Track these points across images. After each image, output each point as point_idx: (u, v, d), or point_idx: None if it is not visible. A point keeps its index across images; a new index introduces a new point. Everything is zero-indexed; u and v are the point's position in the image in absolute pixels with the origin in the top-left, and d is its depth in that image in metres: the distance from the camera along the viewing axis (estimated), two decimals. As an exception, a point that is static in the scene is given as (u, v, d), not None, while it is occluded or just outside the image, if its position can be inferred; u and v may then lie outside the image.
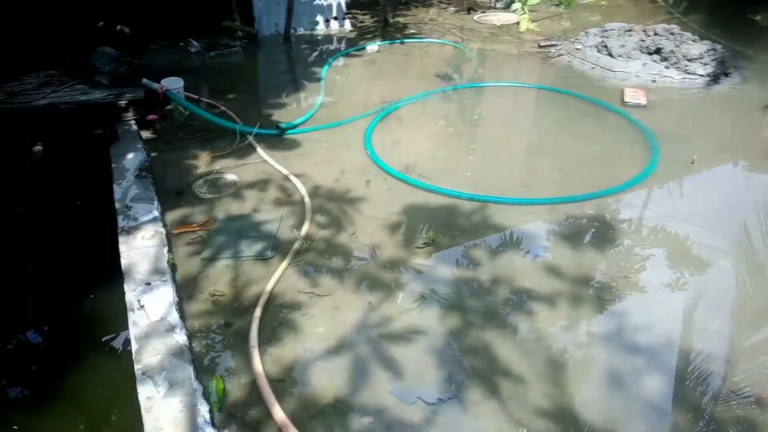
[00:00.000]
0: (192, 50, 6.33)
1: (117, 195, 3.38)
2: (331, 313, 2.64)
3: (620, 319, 2.58)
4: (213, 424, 2.09)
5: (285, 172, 3.82)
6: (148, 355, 2.32)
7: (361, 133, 4.35)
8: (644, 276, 2.87)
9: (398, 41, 6.97)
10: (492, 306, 2.65)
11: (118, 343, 2.69)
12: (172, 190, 3.63)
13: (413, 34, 7.26)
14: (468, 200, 3.46)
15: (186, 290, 2.79)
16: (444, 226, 3.24)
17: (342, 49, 6.70)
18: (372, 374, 2.31)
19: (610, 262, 2.96)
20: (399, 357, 2.38)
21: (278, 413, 2.13)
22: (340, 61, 6.30)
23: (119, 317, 2.79)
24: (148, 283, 2.69)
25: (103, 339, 2.73)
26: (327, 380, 2.29)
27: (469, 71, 5.98)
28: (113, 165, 3.74)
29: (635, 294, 2.75)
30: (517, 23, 6.59)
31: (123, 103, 4.47)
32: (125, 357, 2.62)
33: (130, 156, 3.83)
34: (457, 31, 7.34)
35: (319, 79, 5.64)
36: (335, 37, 7.17)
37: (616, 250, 3.06)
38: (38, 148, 4.30)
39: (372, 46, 6.79)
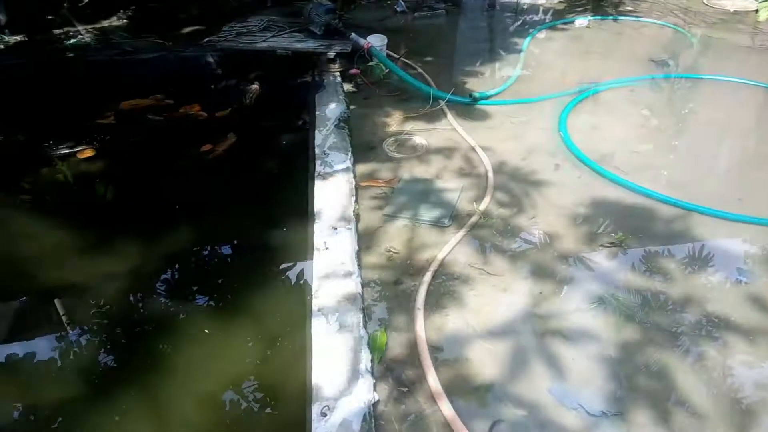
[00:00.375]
0: (398, 9, 6.47)
1: (317, 141, 3.62)
2: (498, 294, 2.59)
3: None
4: (372, 374, 2.19)
5: (472, 142, 3.78)
6: (325, 294, 2.49)
7: (556, 114, 4.14)
8: None
9: (611, 18, 6.45)
10: (678, 326, 2.41)
11: (299, 276, 2.93)
12: (364, 144, 3.79)
13: (629, 11, 6.67)
14: (669, 205, 3.14)
15: (365, 241, 2.92)
16: (635, 228, 2.98)
17: (547, 21, 6.39)
18: (533, 367, 2.24)
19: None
20: (564, 356, 2.28)
21: (433, 380, 2.16)
22: (544, 34, 6.01)
23: (304, 253, 3.03)
24: (335, 228, 2.86)
25: (286, 268, 2.98)
26: (485, 360, 2.27)
27: (689, 60, 5.35)
28: (317, 112, 3.99)
29: None
30: (756, 11, 5.72)
31: (331, 54, 4.73)
32: (304, 289, 2.85)
33: (332, 106, 4.06)
34: (681, 13, 6.59)
35: (518, 51, 5.45)
36: (542, 8, 6.85)
37: None
38: (254, 86, 4.73)
39: (581, 21, 6.38)
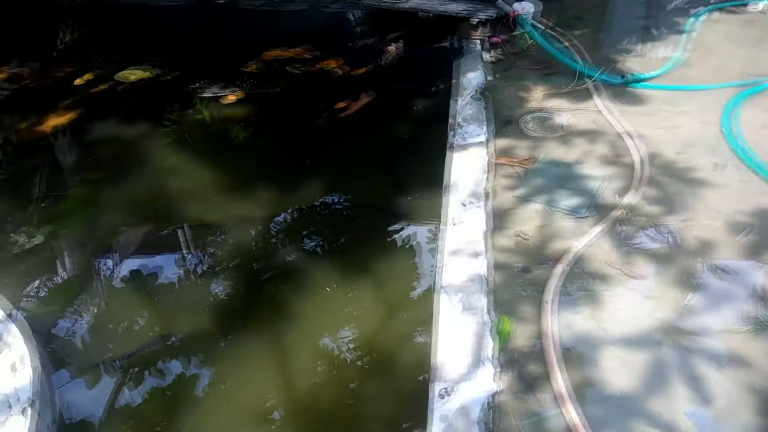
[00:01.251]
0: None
1: (453, 111, 3.51)
2: (638, 298, 2.40)
3: None
4: (493, 362, 2.12)
5: (621, 128, 3.49)
6: (452, 272, 2.43)
7: (720, 106, 3.71)
8: None
9: (796, 2, 5.64)
10: None
11: (426, 246, 2.89)
12: (501, 118, 3.63)
13: (820, -5, 5.78)
14: None
15: (495, 221, 2.81)
16: (808, 248, 2.62)
17: (715, 1, 5.71)
18: (671, 384, 2.06)
19: None
20: (708, 379, 2.07)
21: (559, 380, 2.05)
22: (713, 15, 5.38)
23: (432, 224, 2.98)
24: (466, 204, 2.77)
25: (413, 236, 2.95)
26: (618, 369, 2.12)
27: None
28: (454, 80, 3.86)
29: None
30: None
31: (475, 20, 4.54)
32: (430, 261, 2.81)
33: (471, 75, 3.91)
34: None
35: (681, 32, 4.92)
36: (711, -15, 6.13)
37: None
38: (393, 47, 4.67)
39: (755, 4, 5.64)
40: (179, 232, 3.23)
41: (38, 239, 3.14)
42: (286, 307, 2.71)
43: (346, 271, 2.85)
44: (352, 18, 5.21)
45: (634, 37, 4.87)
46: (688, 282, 2.46)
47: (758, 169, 3.10)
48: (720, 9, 5.51)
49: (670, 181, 3.04)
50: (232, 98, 4.24)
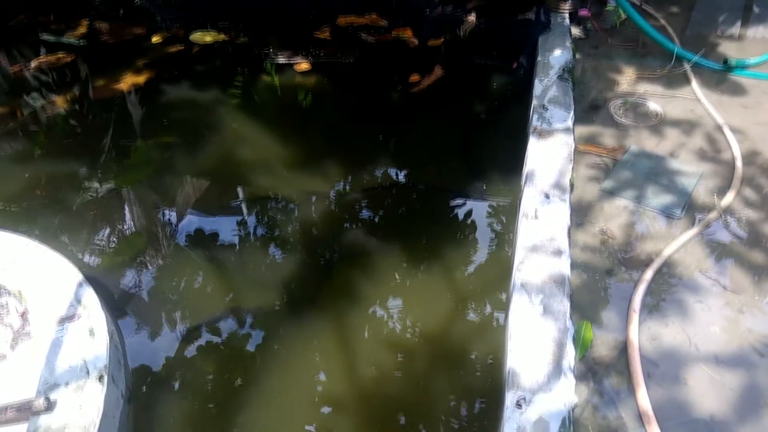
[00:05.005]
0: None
1: (537, 91, 3.31)
2: (733, 314, 2.21)
3: None
4: (573, 372, 2.01)
5: (720, 120, 3.21)
6: (530, 270, 2.30)
7: (837, 101, 3.37)
8: None
9: None
10: None
11: (502, 239, 2.77)
12: (587, 101, 3.40)
13: None
14: None
15: (577, 216, 2.65)
16: None
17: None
18: (764, 413, 1.90)
19: None
20: (812, 412, 1.90)
21: (643, 398, 1.93)
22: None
23: (509, 215, 2.85)
24: (547, 196, 2.62)
25: (489, 226, 2.84)
26: (707, 390, 1.97)
27: None
28: (539, 58, 3.64)
29: None
30: None
31: (564, -9, 4.25)
32: (505, 255, 2.70)
33: (557, 52, 3.68)
34: None
35: (790, 12, 4.48)
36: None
37: None
38: (471, 18, 4.45)
39: None
40: (244, 200, 3.22)
41: (103, 196, 3.18)
42: (351, 289, 2.67)
43: (414, 257, 2.77)
44: (429, -17, 4.97)
45: (733, 17, 4.47)
46: (792, 300, 2.26)
47: None
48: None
49: (774, 184, 2.78)
50: (304, 66, 4.16)
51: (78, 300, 2.31)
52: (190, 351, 2.45)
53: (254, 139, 3.56)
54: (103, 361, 2.11)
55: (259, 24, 4.73)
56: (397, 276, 2.69)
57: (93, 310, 2.29)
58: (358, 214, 3.06)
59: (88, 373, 2.06)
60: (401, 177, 3.27)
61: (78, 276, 2.41)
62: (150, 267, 2.80)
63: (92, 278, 2.42)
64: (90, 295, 2.34)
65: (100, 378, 2.05)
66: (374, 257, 2.80)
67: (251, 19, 4.76)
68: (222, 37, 4.59)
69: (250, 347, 2.45)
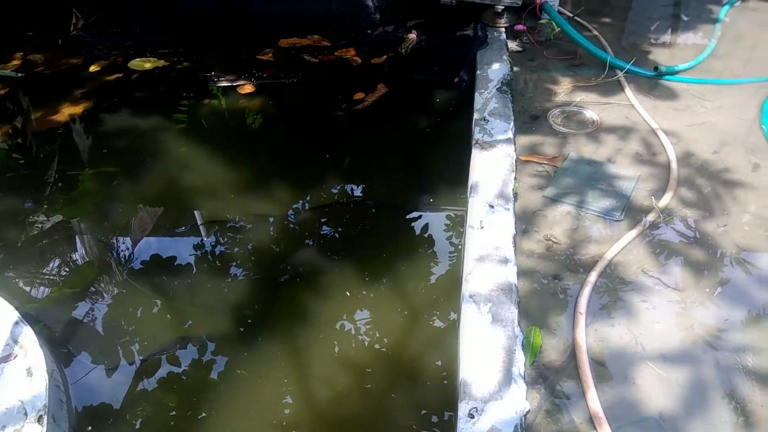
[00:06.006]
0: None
1: (477, 104, 3.36)
2: (676, 311, 2.27)
3: None
4: (523, 379, 2.01)
5: (653, 124, 3.33)
6: (478, 280, 2.31)
7: (758, 102, 3.54)
8: None
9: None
10: None
11: (449, 251, 2.77)
12: (527, 112, 3.48)
13: None
14: None
15: (522, 224, 2.68)
16: None
17: (753, -14, 5.46)
18: (712, 406, 1.94)
19: None
20: (753, 402, 1.94)
21: (593, 400, 1.94)
22: (747, 4, 5.15)
23: (456, 227, 2.86)
24: (492, 206, 2.65)
25: (436, 239, 2.84)
26: (655, 388, 2.00)
27: None
28: (478, 71, 3.71)
29: None
30: None
31: (500, 7, 4.36)
32: (454, 267, 2.70)
33: (495, 66, 3.75)
34: None
35: (713, 20, 4.72)
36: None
37: None
38: (412, 35, 4.51)
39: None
40: (194, 226, 3.14)
41: (49, 229, 3.06)
42: (303, 309, 2.62)
43: (366, 274, 2.75)
44: (369, 4, 5.04)
45: (663, 25, 4.68)
46: (730, 293, 2.33)
47: (802, 170, 2.93)
48: (758, -5, 5.27)
49: (707, 183, 2.89)
50: (248, 88, 4.12)
51: (14, 339, 2.20)
52: (140, 384, 2.34)
53: (202, 164, 3.48)
54: (42, 400, 2.00)
55: (201, 48, 4.68)
56: (349, 293, 2.66)
57: (31, 348, 2.18)
58: (309, 234, 3.02)
59: (26, 414, 1.95)
60: (350, 194, 3.25)
61: (14, 314, 2.29)
62: (98, 299, 2.69)
63: (35, 315, 2.30)
64: (27, 334, 2.23)
65: (39, 419, 1.95)
66: (326, 276, 2.76)
67: (193, 43, 4.71)
68: (162, 62, 4.51)
69: (204, 375, 2.36)
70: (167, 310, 2.65)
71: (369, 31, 4.81)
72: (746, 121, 3.38)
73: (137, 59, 4.52)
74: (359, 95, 4.02)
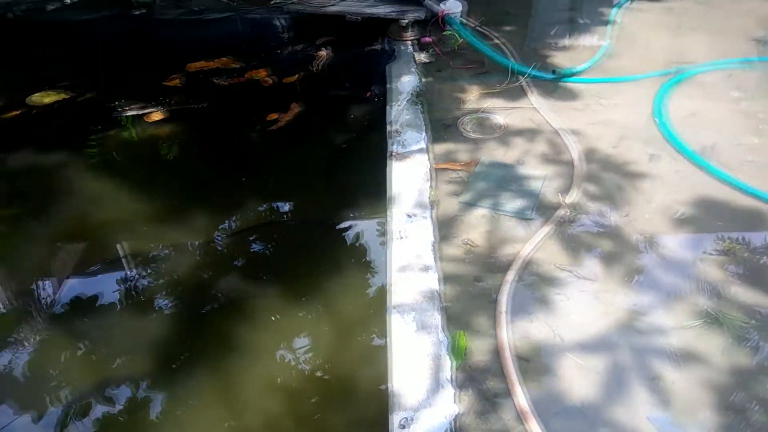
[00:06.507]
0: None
1: (390, 117, 3.41)
2: (590, 301, 2.37)
3: None
4: (453, 382, 2.04)
5: (557, 125, 3.50)
6: (402, 290, 2.33)
7: (650, 96, 3.79)
8: None
9: (709, -12, 5.87)
10: (798, 354, 2.14)
11: (373, 264, 2.78)
12: (439, 121, 3.56)
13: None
14: (784, 210, 2.82)
15: (441, 230, 2.73)
16: (745, 235, 2.68)
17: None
18: (630, 388, 2.04)
19: None
20: (665, 379, 2.06)
21: (519, 396, 2.00)
22: (634, 4, 5.53)
23: (378, 240, 2.88)
24: (411, 215, 2.69)
25: (359, 254, 2.84)
26: (576, 377, 2.08)
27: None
28: (389, 85, 3.77)
29: None
30: None
31: (404, 22, 4.46)
32: (378, 279, 2.70)
33: (405, 78, 3.83)
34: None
35: (606, 23, 5.03)
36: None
37: None
38: (323, 53, 4.53)
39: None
40: (113, 261, 3.00)
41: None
42: (231, 338, 2.54)
43: (293, 294, 2.71)
44: (277, 24, 5.03)
45: (560, 30, 4.93)
46: (637, 279, 2.47)
47: (691, 157, 3.16)
48: (640, -2, 5.66)
49: (609, 177, 3.06)
50: (156, 116, 4.00)
51: None
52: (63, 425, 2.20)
53: (116, 197, 3.34)
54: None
55: (105, 78, 4.50)
56: (276, 316, 2.61)
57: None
58: (232, 260, 2.95)
59: None
60: (272, 215, 3.21)
61: None
62: (18, 348, 2.52)
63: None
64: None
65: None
66: (253, 301, 2.70)
67: (95, 73, 4.52)
68: (63, 95, 4.30)
69: (135, 417, 2.25)
70: (90, 354, 2.51)
71: (279, 51, 4.79)
72: (641, 116, 3.61)
73: (36, 94, 4.29)
74: (273, 115, 3.99)
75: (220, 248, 3.03)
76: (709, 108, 3.71)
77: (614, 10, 5.23)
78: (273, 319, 2.60)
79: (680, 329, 2.23)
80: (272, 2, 4.92)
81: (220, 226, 3.17)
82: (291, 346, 2.48)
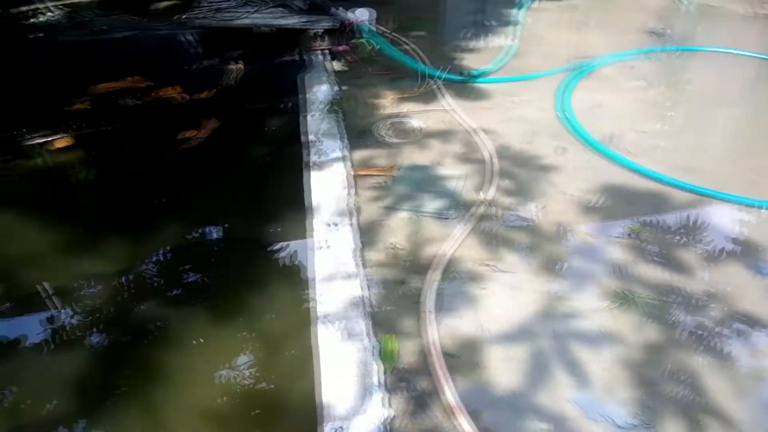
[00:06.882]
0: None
1: (308, 127, 3.40)
2: (512, 292, 2.45)
3: None
4: (384, 386, 2.05)
5: (471, 125, 3.60)
6: (328, 299, 2.33)
7: (554, 91, 3.96)
8: None
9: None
10: (702, 325, 2.29)
11: (299, 276, 2.75)
12: (357, 128, 3.58)
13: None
14: (683, 190, 3.01)
15: (366, 236, 2.75)
16: (650, 216, 2.85)
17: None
18: (553, 373, 2.11)
19: None
20: (585, 361, 2.15)
21: (449, 393, 2.03)
22: (537, 4, 5.78)
23: (303, 251, 2.85)
24: (333, 224, 2.68)
25: (284, 268, 2.80)
26: (503, 368, 2.14)
27: (687, 30, 5.19)
28: (305, 95, 3.76)
29: None
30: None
31: (317, 31, 4.46)
32: (305, 291, 2.68)
33: (321, 87, 3.83)
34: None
35: (512, 23, 5.23)
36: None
37: None
38: (237, 66, 4.46)
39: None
40: (21, 300, 2.81)
41: None
42: (155, 367, 2.44)
43: (216, 316, 2.63)
44: (189, 39, 4.91)
45: (471, 32, 5.08)
46: (553, 267, 2.57)
47: (595, 147, 3.33)
48: (541, -3, 5.93)
49: (522, 171, 3.17)
50: (62, 143, 3.79)
51: None
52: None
53: (26, 231, 3.14)
54: None
55: (3, 107, 4.24)
56: (201, 339, 2.53)
57: None
58: (152, 285, 2.83)
59: None
60: (191, 236, 3.11)
61: None
62: None
63: None
64: None
65: None
66: (175, 326, 2.60)
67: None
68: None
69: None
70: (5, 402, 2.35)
71: (190, 67, 4.68)
72: (550, 111, 3.78)
73: None
74: (190, 133, 3.87)
75: (138, 275, 2.91)
76: (611, 99, 3.93)
77: (520, 11, 5.44)
78: (197, 342, 2.52)
79: (596, 311, 2.34)
80: (179, 18, 4.80)
81: (137, 252, 3.05)
82: (217, 368, 2.41)
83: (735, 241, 2.71)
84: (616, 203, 2.93)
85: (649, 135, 3.51)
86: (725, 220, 2.83)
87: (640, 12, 5.52)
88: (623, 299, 2.38)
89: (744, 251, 2.66)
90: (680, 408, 1.98)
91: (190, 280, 2.89)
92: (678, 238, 2.73)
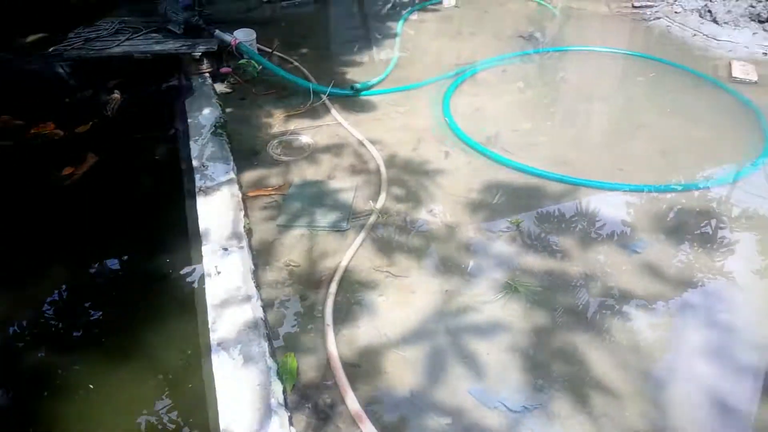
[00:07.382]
0: (263, -1, 6.16)
1: (193, 152, 3.33)
2: (407, 296, 2.52)
3: (731, 332, 2.35)
4: (286, 406, 2.04)
5: (360, 137, 3.67)
6: (224, 325, 2.28)
7: (439, 98, 4.13)
8: (761, 283, 2.60)
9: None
10: (583, 305, 2.47)
11: (192, 307, 2.67)
12: (246, 149, 3.55)
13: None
14: (557, 182, 3.22)
15: (261, 257, 2.72)
16: (529, 209, 3.03)
17: (417, 2, 6.39)
18: (450, 369, 2.19)
19: (718, 265, 2.70)
20: (479, 353, 2.25)
21: (352, 402, 2.05)
22: (416, 16, 6.00)
23: (194, 280, 2.78)
24: (226, 249, 2.64)
25: (176, 300, 2.72)
26: (402, 370, 2.19)
27: (554, 32, 5.58)
28: (189, 120, 3.68)
29: (749, 302, 2.49)
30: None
31: (197, 54, 4.38)
32: (199, 322, 2.61)
33: (205, 111, 3.76)
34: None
35: (394, 35, 5.39)
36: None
37: (725, 250, 2.78)
38: (115, 96, 4.29)
39: (449, 1, 6.45)
40: None
41: None
42: (47, 419, 2.29)
43: (110, 357, 2.51)
44: (61, 71, 4.66)
45: (355, 47, 5.18)
46: (446, 266, 2.67)
47: (477, 148, 3.50)
48: (422, 9, 6.16)
49: (410, 178, 3.27)
50: None
51: None
52: None
53: None
54: None
55: None
56: (94, 383, 2.40)
57: None
58: (40, 333, 2.65)
59: None
60: (82, 276, 2.94)
61: None
62: None
63: None
64: None
65: None
66: (66, 373, 2.45)
67: None
68: None
69: None
70: None
71: (67, 99, 4.44)
72: (433, 117, 3.92)
73: None
74: (69, 169, 3.67)
75: (23, 322, 2.72)
76: (489, 102, 4.14)
77: (400, 24, 5.62)
78: (91, 388, 2.39)
79: (486, 304, 2.46)
80: (49, 50, 4.54)
81: (20, 298, 2.84)
82: (113, 413, 2.29)
83: (607, 224, 2.94)
84: (498, 200, 3.09)
85: (525, 133, 3.74)
86: (597, 205, 3.06)
87: (510, 19, 5.87)
88: (511, 289, 2.52)
89: (616, 233, 2.89)
90: (568, 386, 2.12)
91: (80, 321, 2.73)
92: (556, 226, 2.92)
